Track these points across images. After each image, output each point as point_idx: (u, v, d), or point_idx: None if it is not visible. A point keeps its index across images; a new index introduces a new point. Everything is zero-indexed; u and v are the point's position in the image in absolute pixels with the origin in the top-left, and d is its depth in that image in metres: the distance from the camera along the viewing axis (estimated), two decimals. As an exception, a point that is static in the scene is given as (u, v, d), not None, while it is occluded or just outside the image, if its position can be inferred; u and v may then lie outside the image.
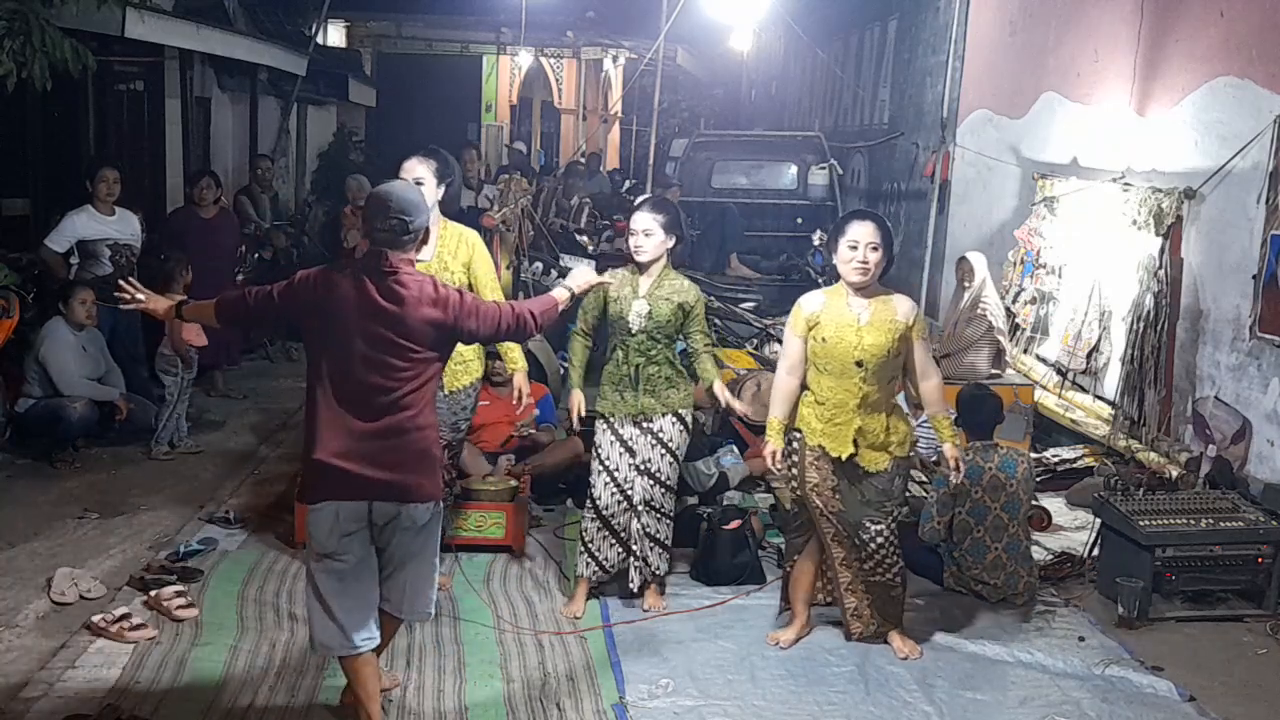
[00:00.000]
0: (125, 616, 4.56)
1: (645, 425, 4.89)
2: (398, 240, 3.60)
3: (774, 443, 4.64)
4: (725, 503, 6.00)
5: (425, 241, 3.72)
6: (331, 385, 3.58)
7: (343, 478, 3.56)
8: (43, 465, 6.57)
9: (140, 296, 3.92)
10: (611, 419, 4.91)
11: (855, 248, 4.48)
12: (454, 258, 4.81)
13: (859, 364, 4.46)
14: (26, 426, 6.65)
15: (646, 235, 4.84)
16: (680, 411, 4.92)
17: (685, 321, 4.91)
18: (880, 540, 4.57)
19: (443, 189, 4.75)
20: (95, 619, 4.55)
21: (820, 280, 10.58)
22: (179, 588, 4.89)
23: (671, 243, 4.90)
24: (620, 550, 4.93)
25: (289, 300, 3.68)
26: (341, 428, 3.56)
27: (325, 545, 3.62)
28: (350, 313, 3.55)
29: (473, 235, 4.93)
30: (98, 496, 6.19)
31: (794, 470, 4.65)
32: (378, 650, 3.78)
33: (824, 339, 4.51)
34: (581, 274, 4.18)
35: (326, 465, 3.57)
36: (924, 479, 6.09)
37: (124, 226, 7.28)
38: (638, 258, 4.86)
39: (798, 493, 4.67)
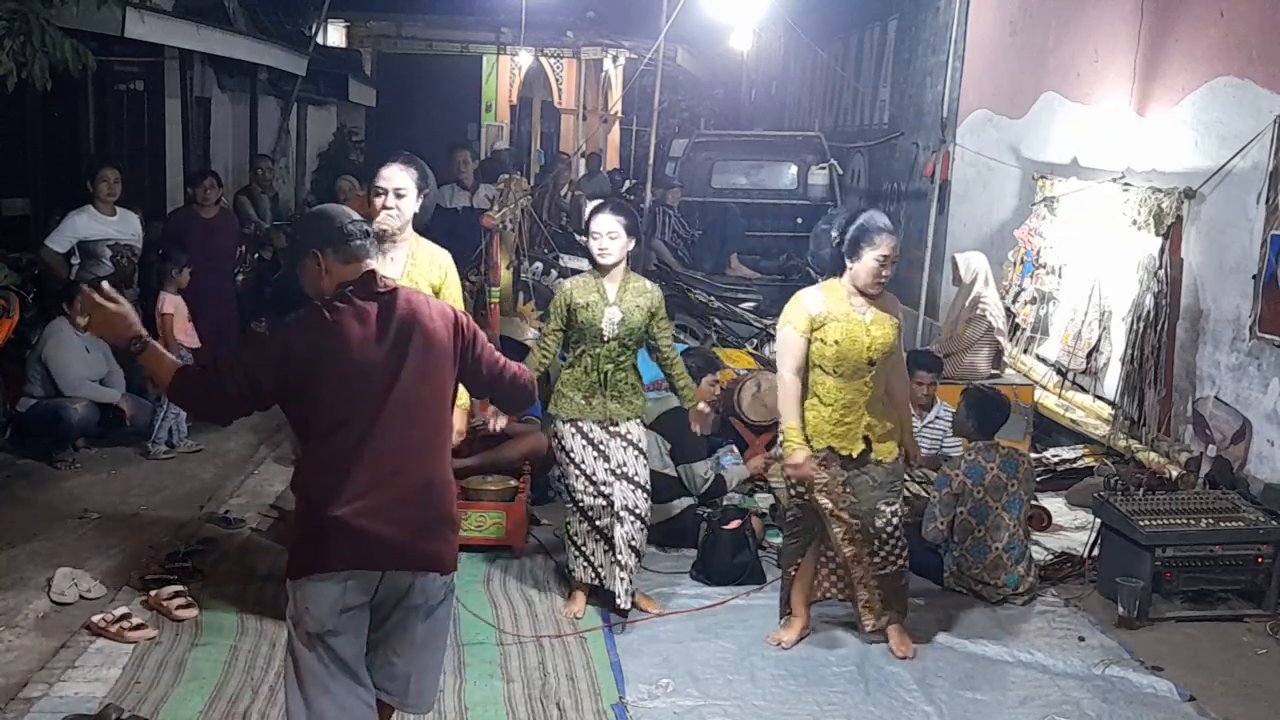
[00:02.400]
0: (125, 616, 4.56)
1: (612, 429, 4.88)
2: (372, 246, 3.18)
3: (801, 450, 4.45)
4: (725, 502, 5.99)
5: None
6: (347, 441, 3.01)
7: (362, 540, 2.99)
8: (43, 465, 6.57)
9: (107, 304, 3.07)
10: (579, 422, 4.88)
11: (883, 263, 4.45)
12: (424, 280, 4.45)
13: (871, 363, 4.45)
14: (27, 426, 6.65)
15: (611, 238, 4.80)
16: (642, 416, 4.97)
17: (652, 323, 4.89)
18: (893, 524, 4.58)
19: (420, 200, 4.47)
20: (95, 619, 4.55)
21: (821, 280, 10.56)
22: (179, 588, 4.88)
23: (631, 244, 4.89)
24: (607, 551, 4.88)
25: (271, 363, 3.02)
26: (362, 482, 2.99)
27: (325, 623, 3.02)
28: (361, 351, 3.02)
29: (445, 258, 4.58)
30: (98, 496, 6.19)
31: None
32: None
33: (836, 342, 4.45)
34: None
35: (343, 524, 2.98)
36: (924, 479, 6.09)
37: (124, 226, 7.28)
38: (603, 260, 4.82)
39: (805, 498, 4.61)
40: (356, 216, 3.20)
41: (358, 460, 3.01)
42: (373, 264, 3.17)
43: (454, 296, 4.56)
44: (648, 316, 4.86)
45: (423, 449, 3.10)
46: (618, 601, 4.85)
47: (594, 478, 4.85)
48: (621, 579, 4.85)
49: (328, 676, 3.05)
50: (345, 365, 3.01)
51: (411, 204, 4.42)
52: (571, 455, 4.89)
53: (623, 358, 4.86)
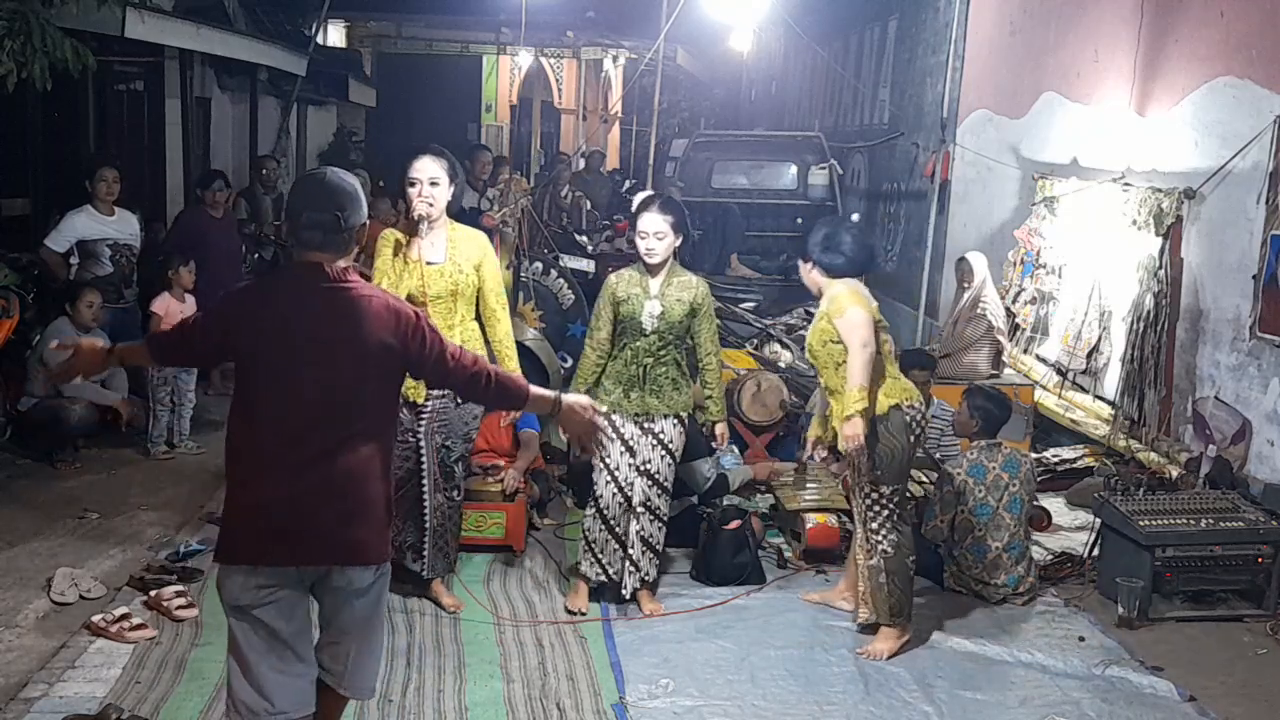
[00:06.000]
0: (125, 616, 4.56)
1: (646, 426, 4.88)
2: (328, 240, 2.96)
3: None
4: (725, 502, 5.99)
5: (359, 243, 3.08)
6: (264, 423, 2.97)
7: (265, 536, 2.95)
8: (43, 465, 6.57)
9: (68, 356, 3.25)
10: (613, 416, 4.90)
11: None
12: (467, 260, 4.70)
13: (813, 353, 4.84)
14: (27, 426, 6.64)
15: (659, 238, 4.79)
16: (681, 414, 4.92)
17: (694, 320, 4.89)
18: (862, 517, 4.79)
19: (452, 189, 4.68)
20: (95, 619, 4.55)
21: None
22: (179, 588, 4.88)
23: (679, 242, 4.88)
24: (619, 552, 4.93)
25: (213, 324, 3.08)
26: (271, 475, 2.95)
27: (239, 599, 3.00)
28: (291, 335, 2.94)
29: (483, 237, 4.87)
30: (98, 496, 6.19)
31: None
32: None
33: None
34: (578, 408, 3.38)
35: (250, 518, 2.98)
36: (925, 479, 6.08)
37: (124, 226, 7.29)
38: (649, 260, 4.81)
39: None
40: (339, 210, 2.97)
41: (275, 451, 2.96)
42: (332, 258, 2.99)
43: (491, 271, 4.80)
44: (689, 311, 4.84)
45: (344, 443, 2.95)
46: (622, 590, 4.91)
47: (617, 474, 4.88)
48: (631, 572, 4.90)
49: (257, 643, 3.02)
50: (269, 349, 2.95)
51: (445, 192, 4.62)
52: (600, 449, 4.89)
53: (663, 352, 4.85)
